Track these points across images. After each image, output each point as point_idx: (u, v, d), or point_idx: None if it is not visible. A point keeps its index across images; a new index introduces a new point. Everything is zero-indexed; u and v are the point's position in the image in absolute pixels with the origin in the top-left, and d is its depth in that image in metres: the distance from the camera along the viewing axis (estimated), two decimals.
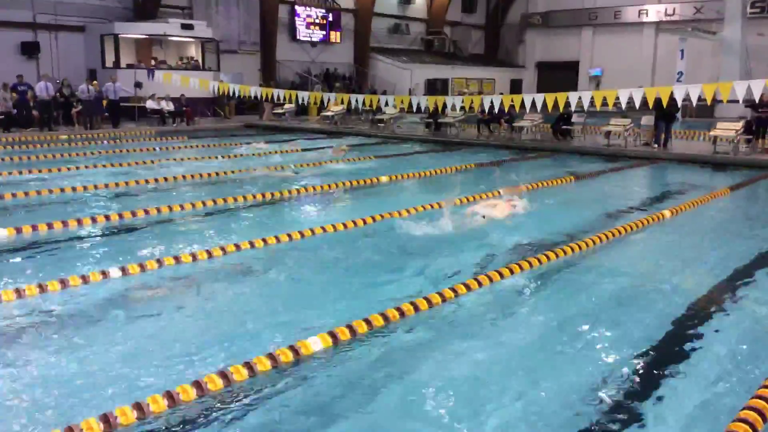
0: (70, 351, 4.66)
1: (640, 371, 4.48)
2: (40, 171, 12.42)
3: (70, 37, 24.36)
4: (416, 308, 5.42)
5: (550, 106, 14.77)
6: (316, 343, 4.68)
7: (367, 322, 5.08)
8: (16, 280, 6.05)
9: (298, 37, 31.59)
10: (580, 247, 7.38)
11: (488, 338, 5.04)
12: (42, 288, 5.75)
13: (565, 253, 7.16)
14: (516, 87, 38.13)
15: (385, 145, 19.44)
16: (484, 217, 8.59)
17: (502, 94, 20.90)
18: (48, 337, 4.90)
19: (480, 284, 6.07)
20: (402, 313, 5.29)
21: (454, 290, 5.83)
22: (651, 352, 4.81)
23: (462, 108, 16.81)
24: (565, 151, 17.62)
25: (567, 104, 15.85)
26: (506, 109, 17.66)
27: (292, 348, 4.58)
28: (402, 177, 12.67)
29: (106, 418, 3.63)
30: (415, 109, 18.33)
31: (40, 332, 4.99)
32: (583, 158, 16.68)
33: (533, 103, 14.84)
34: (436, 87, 34.05)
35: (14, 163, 13.79)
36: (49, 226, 8.00)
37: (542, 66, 39.69)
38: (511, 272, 6.43)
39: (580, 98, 14.21)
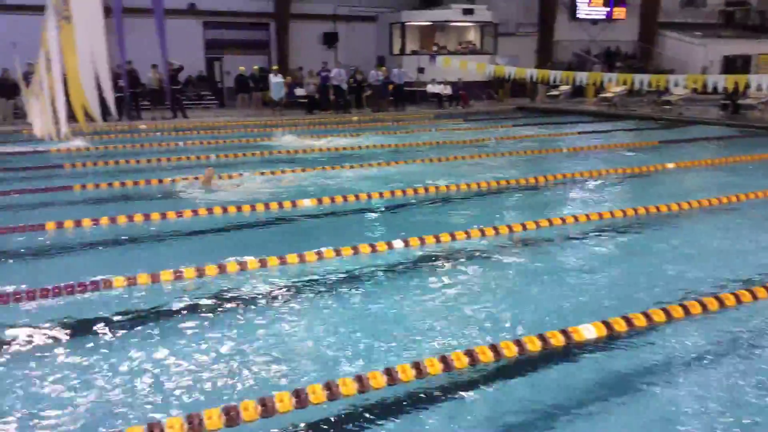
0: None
1: None
2: (337, 149, 13.93)
3: (362, 26, 26.66)
4: None
5: None
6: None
7: None
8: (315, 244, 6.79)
9: (578, 16, 30.45)
10: None
11: None
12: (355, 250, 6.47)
13: None
14: None
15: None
16: None
17: None
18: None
19: None
20: None
21: None
22: None
23: None
24: None
25: None
26: None
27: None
28: None
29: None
30: (710, 90, 16.51)
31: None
32: None
33: None
34: (735, 65, 30.16)
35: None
36: (344, 198, 8.97)
37: None
38: None
39: None
